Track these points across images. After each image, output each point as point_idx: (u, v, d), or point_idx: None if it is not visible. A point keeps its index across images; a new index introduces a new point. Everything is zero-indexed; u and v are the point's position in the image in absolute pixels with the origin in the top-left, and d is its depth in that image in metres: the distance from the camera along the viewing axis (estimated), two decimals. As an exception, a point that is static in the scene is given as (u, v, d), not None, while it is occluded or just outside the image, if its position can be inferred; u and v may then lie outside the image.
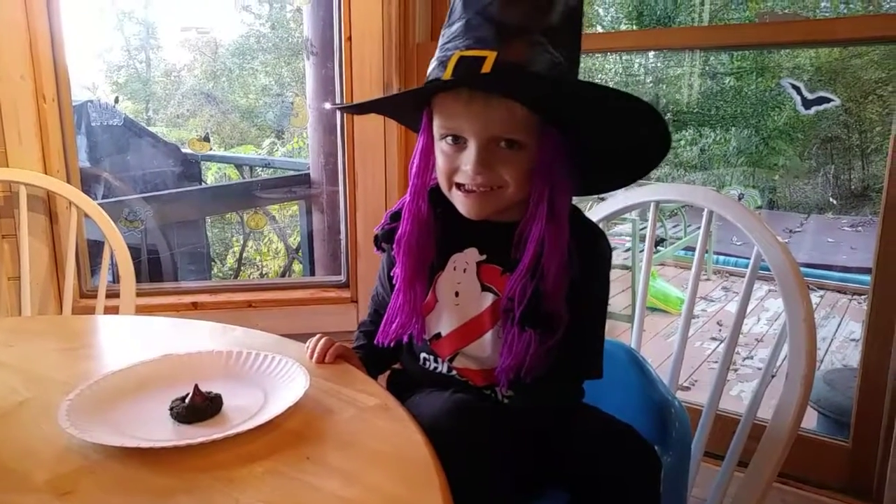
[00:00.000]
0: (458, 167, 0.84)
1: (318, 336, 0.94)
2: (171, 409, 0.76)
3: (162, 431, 0.73)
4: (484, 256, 0.90)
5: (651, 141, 0.82)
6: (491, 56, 0.77)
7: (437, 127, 0.86)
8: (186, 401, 0.75)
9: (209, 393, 0.77)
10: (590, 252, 0.87)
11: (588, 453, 0.84)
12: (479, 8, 0.80)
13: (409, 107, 0.94)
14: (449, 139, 0.85)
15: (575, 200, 0.92)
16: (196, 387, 0.76)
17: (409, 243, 0.90)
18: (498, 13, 0.79)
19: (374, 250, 0.99)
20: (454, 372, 0.93)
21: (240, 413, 0.76)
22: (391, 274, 0.94)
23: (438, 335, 0.93)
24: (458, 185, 0.86)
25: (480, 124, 0.81)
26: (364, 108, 1.01)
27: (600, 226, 1.26)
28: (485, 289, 0.90)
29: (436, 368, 0.95)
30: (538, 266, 0.83)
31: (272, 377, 0.85)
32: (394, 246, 0.92)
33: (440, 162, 0.87)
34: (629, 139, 0.83)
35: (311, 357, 0.91)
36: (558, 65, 0.80)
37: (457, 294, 0.92)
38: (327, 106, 2.28)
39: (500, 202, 0.85)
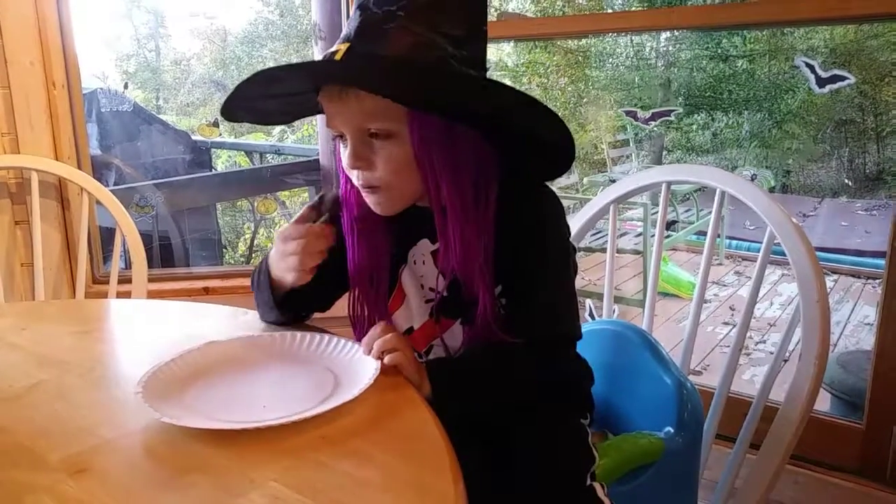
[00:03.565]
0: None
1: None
2: (320, 215, 0.84)
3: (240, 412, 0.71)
4: (436, 246, 0.87)
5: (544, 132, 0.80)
6: (342, 48, 0.76)
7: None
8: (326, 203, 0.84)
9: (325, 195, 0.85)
10: (531, 212, 0.84)
11: None
12: (359, 1, 0.79)
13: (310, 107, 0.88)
14: (337, 138, 0.84)
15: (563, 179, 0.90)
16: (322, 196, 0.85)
17: (356, 239, 0.88)
18: (368, 1, 0.77)
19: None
20: None
21: (307, 397, 0.74)
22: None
23: (411, 329, 0.92)
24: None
25: (343, 116, 0.80)
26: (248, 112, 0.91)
27: (610, 208, 1.26)
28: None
29: None
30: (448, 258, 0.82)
31: (340, 359, 0.83)
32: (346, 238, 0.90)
33: (342, 161, 0.85)
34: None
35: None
36: (426, 45, 0.76)
37: (422, 287, 0.91)
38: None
39: (394, 201, 0.84)
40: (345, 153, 0.82)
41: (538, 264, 0.84)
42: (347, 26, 0.79)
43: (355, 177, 0.83)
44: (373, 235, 0.89)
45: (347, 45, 0.76)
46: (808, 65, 1.73)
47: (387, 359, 0.77)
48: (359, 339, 0.88)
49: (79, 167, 1.82)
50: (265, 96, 0.86)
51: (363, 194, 0.85)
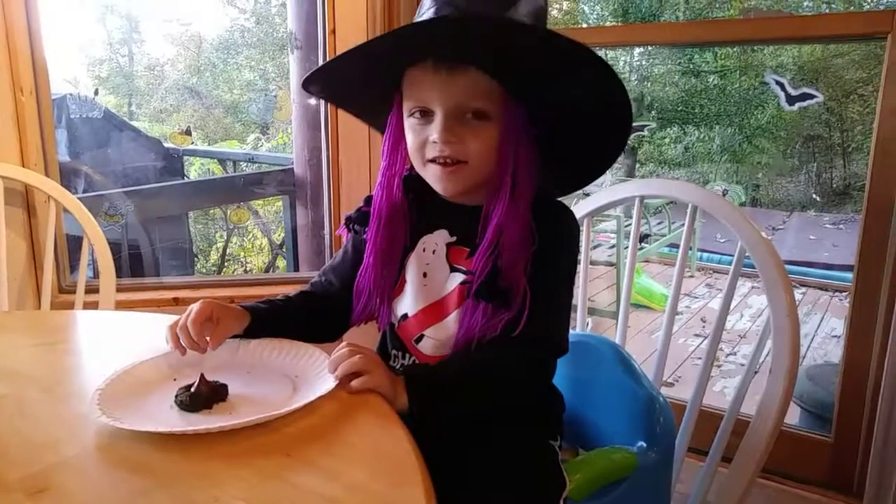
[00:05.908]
0: (426, 139, 0.84)
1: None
2: (176, 396, 0.75)
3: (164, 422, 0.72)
4: (454, 238, 0.90)
5: (614, 122, 0.85)
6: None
7: (406, 103, 0.87)
8: (192, 389, 0.75)
9: (215, 382, 0.76)
10: (553, 225, 0.87)
11: None
12: None
13: (377, 95, 0.92)
14: (417, 114, 0.86)
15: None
16: (202, 376, 0.76)
17: (381, 224, 0.91)
18: None
19: (340, 230, 0.99)
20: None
21: (254, 406, 0.75)
22: (358, 248, 0.96)
23: (405, 316, 0.93)
24: (430, 160, 0.86)
25: (445, 93, 0.82)
26: (330, 83, 0.95)
27: (584, 221, 1.26)
28: (453, 270, 0.90)
29: (403, 366, 0.94)
30: (499, 242, 0.84)
31: (305, 368, 0.84)
32: (366, 229, 0.93)
33: (410, 139, 0.88)
34: (593, 117, 0.85)
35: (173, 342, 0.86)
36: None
37: (425, 275, 0.91)
38: (311, 101, 2.26)
39: (468, 179, 0.86)
40: (425, 130, 0.85)
41: (548, 271, 0.86)
42: (445, 4, 0.82)
43: (439, 151, 0.84)
44: (396, 223, 0.92)
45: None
46: (777, 82, 1.76)
47: (354, 384, 0.77)
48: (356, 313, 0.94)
49: (46, 174, 1.78)
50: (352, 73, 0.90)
51: (436, 169, 0.86)
